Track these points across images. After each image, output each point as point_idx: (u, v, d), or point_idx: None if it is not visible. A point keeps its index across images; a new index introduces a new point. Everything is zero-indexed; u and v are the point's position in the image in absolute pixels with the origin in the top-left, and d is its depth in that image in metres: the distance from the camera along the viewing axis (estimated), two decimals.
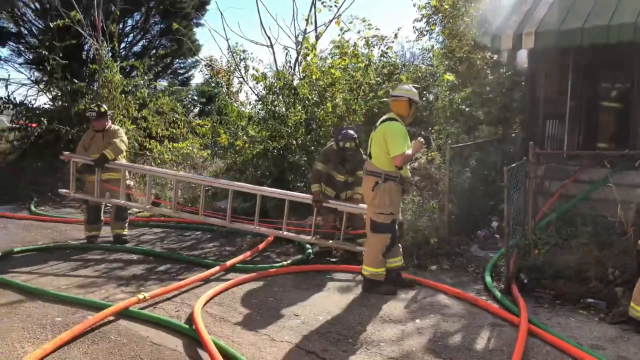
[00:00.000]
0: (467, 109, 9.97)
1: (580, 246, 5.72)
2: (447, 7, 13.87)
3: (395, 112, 5.16)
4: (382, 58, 10.27)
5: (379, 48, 10.28)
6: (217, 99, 11.39)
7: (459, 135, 8.98)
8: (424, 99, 5.05)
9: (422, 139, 5.32)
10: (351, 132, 6.41)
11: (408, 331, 4.36)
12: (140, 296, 4.77)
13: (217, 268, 5.89)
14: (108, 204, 7.74)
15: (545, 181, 7.79)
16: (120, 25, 16.21)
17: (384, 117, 5.24)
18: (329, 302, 5.07)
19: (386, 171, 5.08)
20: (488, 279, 5.54)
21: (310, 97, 9.12)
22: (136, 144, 11.65)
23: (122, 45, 16.43)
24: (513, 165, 5.72)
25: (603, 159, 6.74)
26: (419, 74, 10.20)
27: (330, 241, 6.55)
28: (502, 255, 5.78)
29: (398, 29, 16.67)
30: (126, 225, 7.50)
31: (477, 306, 4.92)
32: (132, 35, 17.92)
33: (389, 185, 5.09)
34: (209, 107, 17.21)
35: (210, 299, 5.00)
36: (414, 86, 5.51)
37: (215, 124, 10.33)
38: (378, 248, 5.22)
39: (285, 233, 6.74)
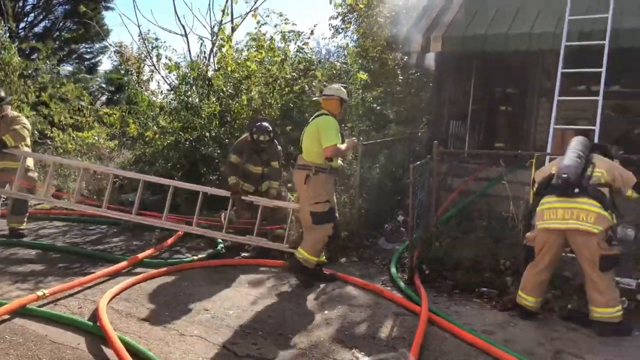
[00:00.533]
0: (378, 108, 10.32)
1: (477, 239, 6.13)
2: (362, 6, 14.23)
3: (327, 110, 5.35)
4: (298, 53, 10.36)
5: (296, 43, 10.37)
6: (127, 88, 10.92)
7: (370, 132, 9.29)
8: (331, 94, 5.29)
9: (354, 139, 5.52)
10: (266, 124, 6.44)
11: (317, 322, 4.49)
12: (39, 293, 4.52)
13: (124, 263, 5.71)
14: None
15: (448, 178, 8.25)
16: (20, 4, 15.07)
17: (317, 113, 5.42)
18: (240, 296, 5.08)
19: (316, 164, 5.23)
20: (393, 270, 5.80)
21: (225, 89, 9.03)
22: (36, 132, 10.92)
23: (22, 25, 15.28)
24: (418, 163, 6.02)
25: (499, 159, 7.25)
26: (334, 71, 10.40)
27: (245, 237, 6.54)
28: (407, 247, 6.09)
29: (314, 26, 16.90)
30: (24, 219, 7.03)
31: (382, 297, 5.14)
32: (32, 14, 16.73)
33: (320, 176, 5.25)
34: (118, 96, 16.49)
35: (116, 294, 4.85)
36: (342, 86, 5.70)
37: (124, 113, 9.92)
38: (320, 237, 5.32)
39: (195, 228, 6.63)
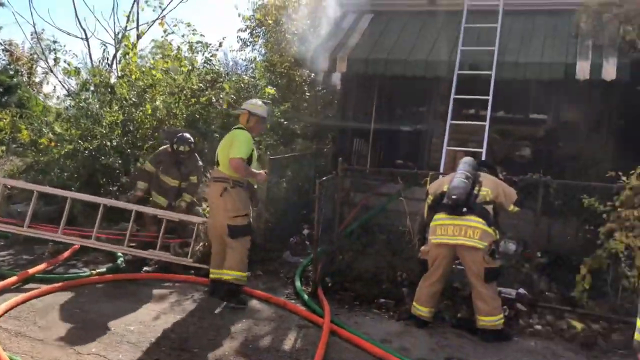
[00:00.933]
0: (285, 123, 10.51)
1: (376, 252, 6.45)
2: (270, 22, 14.46)
3: (242, 124, 5.37)
4: (205, 65, 10.31)
5: (203, 54, 10.31)
6: (19, 89, 10.22)
7: (277, 147, 9.44)
8: (243, 108, 5.36)
9: (265, 172, 5.62)
10: (187, 135, 6.38)
11: (221, 336, 4.51)
12: None
13: (13, 278, 5.35)
14: None
15: (351, 193, 8.58)
16: None
17: (235, 127, 5.43)
18: (141, 311, 4.97)
19: (234, 177, 5.21)
20: (297, 283, 5.94)
21: (128, 97, 8.77)
22: None
23: None
24: (325, 178, 6.25)
25: (398, 176, 7.69)
26: (242, 85, 10.45)
27: (147, 251, 6.38)
28: (311, 261, 6.28)
29: (223, 38, 16.90)
30: None
31: (286, 309, 5.26)
32: None
33: (237, 190, 5.24)
34: (6, 98, 15.31)
35: (4, 312, 4.54)
36: (264, 102, 5.75)
37: (15, 117, 9.27)
38: (243, 252, 5.28)
39: (95, 242, 6.36)
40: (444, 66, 7.79)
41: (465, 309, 5.21)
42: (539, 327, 5.04)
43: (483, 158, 7.06)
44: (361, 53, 8.36)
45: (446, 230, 4.72)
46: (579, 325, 5.00)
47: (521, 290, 5.53)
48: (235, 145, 5.14)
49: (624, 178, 5.32)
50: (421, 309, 4.95)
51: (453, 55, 7.75)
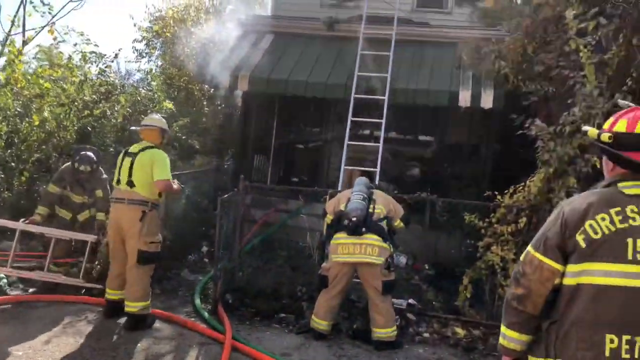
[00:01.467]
0: (184, 138, 10.38)
1: (277, 268, 6.59)
2: (168, 34, 14.23)
3: (149, 141, 5.18)
4: (99, 76, 9.90)
5: (97, 65, 9.90)
6: None
7: (176, 162, 9.28)
8: (152, 125, 5.36)
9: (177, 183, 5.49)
10: (90, 154, 6.13)
11: (120, 356, 4.38)
12: None
13: None
14: None
15: (252, 210, 8.67)
16: None
17: (143, 144, 5.16)
18: (30, 335, 4.66)
19: (152, 200, 5.05)
20: (197, 301, 5.89)
21: (12, 107, 8.20)
22: None
23: None
24: (226, 196, 6.29)
25: (298, 193, 7.91)
26: (139, 98, 10.17)
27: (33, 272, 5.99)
28: (211, 278, 6.26)
29: (119, 49, 16.20)
30: None
31: (186, 327, 5.21)
32: None
33: (154, 214, 5.09)
34: None
35: None
36: (162, 116, 5.70)
37: None
38: (147, 280, 5.06)
39: None
40: (341, 89, 8.20)
41: (360, 320, 5.49)
42: (426, 334, 5.46)
43: (377, 177, 7.49)
44: (262, 72, 8.55)
45: (347, 249, 4.97)
46: (461, 332, 5.47)
47: (411, 301, 5.94)
48: (159, 167, 5.00)
49: (499, 197, 5.93)
50: (320, 322, 5.14)
51: (350, 79, 8.17)
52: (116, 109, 9.33)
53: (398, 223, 5.29)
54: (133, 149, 5.21)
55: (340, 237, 5.02)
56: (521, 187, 5.88)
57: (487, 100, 7.65)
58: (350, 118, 7.94)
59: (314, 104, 9.11)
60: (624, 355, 1.94)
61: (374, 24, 8.89)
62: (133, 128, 5.98)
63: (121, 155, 5.25)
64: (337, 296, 5.14)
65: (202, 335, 5.04)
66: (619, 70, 5.67)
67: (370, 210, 5.05)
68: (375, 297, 5.00)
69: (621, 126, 2.20)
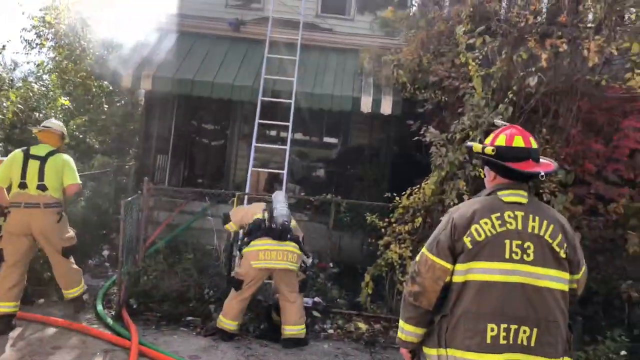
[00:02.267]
0: (81, 137, 9.91)
1: (183, 271, 6.53)
2: (63, 25, 13.44)
3: (49, 144, 5.28)
4: None
5: None
6: None
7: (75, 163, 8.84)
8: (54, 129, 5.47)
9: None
10: None
11: None
12: None
13: None
14: None
15: (155, 211, 8.49)
16: None
17: (47, 148, 5.23)
18: None
19: (61, 201, 5.30)
20: (99, 307, 5.72)
21: None
22: None
23: None
24: (129, 199, 6.15)
25: (204, 195, 7.88)
26: (31, 94, 9.54)
27: None
28: (114, 283, 6.10)
29: (7, 41, 15.04)
30: None
31: (89, 335, 5.06)
32: None
33: (65, 214, 5.39)
34: None
35: None
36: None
37: None
38: (74, 265, 5.48)
39: None
40: (248, 91, 8.26)
41: (268, 319, 5.63)
42: (331, 330, 5.73)
43: (284, 178, 7.67)
44: (167, 72, 8.39)
45: (269, 255, 5.08)
46: (363, 327, 5.80)
47: (317, 299, 6.18)
48: (70, 171, 5.27)
49: (397, 198, 6.34)
50: (230, 323, 5.22)
51: (257, 82, 8.27)
52: (5, 104, 8.69)
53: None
54: (37, 151, 5.15)
55: (261, 244, 5.10)
56: (417, 189, 6.32)
57: (386, 106, 8.08)
58: (257, 120, 8.03)
59: (221, 104, 9.09)
60: (501, 342, 2.28)
61: (280, 28, 9.04)
62: (33, 129, 5.77)
63: (21, 157, 5.07)
64: (249, 298, 5.26)
65: (107, 342, 4.93)
66: (502, 83, 6.29)
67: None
68: (290, 295, 5.18)
69: (501, 141, 2.56)
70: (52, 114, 10.02)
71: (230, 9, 9.82)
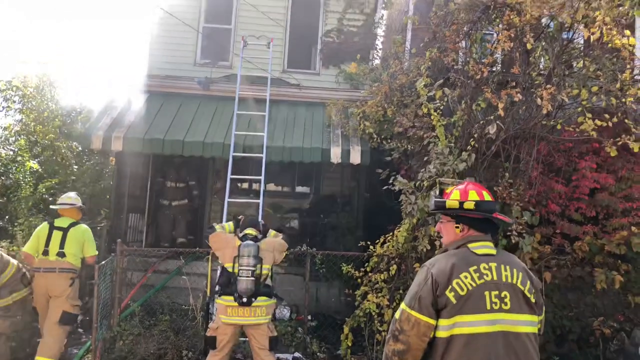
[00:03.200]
0: (50, 199, 9.80)
1: (160, 333, 6.43)
2: (30, 88, 13.47)
3: (69, 217, 5.99)
4: None
5: None
6: None
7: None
8: (72, 204, 6.13)
9: None
10: None
11: None
12: None
13: None
14: None
15: (128, 272, 8.35)
16: None
17: (69, 220, 5.95)
18: None
19: (78, 268, 5.85)
20: None
21: None
22: None
23: None
24: (103, 262, 6.10)
25: (179, 253, 7.83)
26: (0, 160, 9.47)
27: None
28: (88, 349, 5.96)
29: None
30: None
31: None
32: None
33: (78, 280, 5.84)
34: None
35: None
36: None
37: None
38: (64, 339, 5.70)
39: None
40: (219, 148, 8.36)
41: None
42: None
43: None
44: (137, 132, 8.45)
45: (237, 312, 5.02)
46: None
47: (296, 354, 6.15)
48: (90, 244, 5.97)
49: (371, 247, 6.45)
50: None
51: (227, 138, 8.39)
52: None
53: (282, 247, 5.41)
54: (60, 223, 5.90)
55: (229, 300, 5.06)
56: (390, 237, 6.45)
57: (355, 156, 8.28)
58: (229, 176, 8.09)
59: (193, 161, 9.16)
60: None
61: (248, 84, 9.26)
62: (52, 207, 6.38)
63: (46, 228, 5.87)
64: (227, 356, 5.18)
65: None
66: (464, 130, 6.57)
67: (258, 272, 5.13)
68: (261, 353, 5.12)
69: (474, 195, 2.71)
70: (21, 178, 9.95)
71: (199, 67, 10.03)
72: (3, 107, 14.54)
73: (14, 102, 14.50)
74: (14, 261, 5.87)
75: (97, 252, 6.05)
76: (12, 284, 5.73)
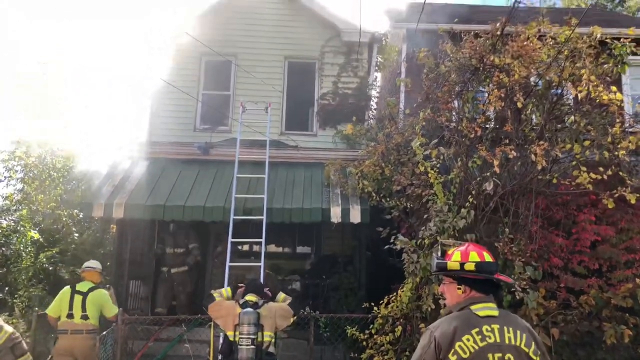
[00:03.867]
0: (51, 269, 9.75)
1: None
2: (32, 158, 13.68)
3: (91, 280, 6.41)
4: None
5: None
6: None
7: (45, 297, 8.64)
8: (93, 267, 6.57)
9: None
10: None
11: None
12: None
13: None
14: None
15: (129, 341, 8.20)
16: None
17: (88, 284, 6.35)
18: None
19: (98, 329, 6.29)
20: None
21: None
22: None
23: None
24: (104, 332, 6.01)
25: (180, 320, 7.72)
26: (1, 230, 9.49)
27: None
28: None
29: None
30: None
31: None
32: None
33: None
34: None
35: None
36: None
37: None
38: None
39: None
40: (220, 212, 8.41)
41: None
42: None
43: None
44: (138, 199, 8.52)
45: None
46: None
47: None
48: (107, 303, 6.42)
49: (375, 308, 6.37)
50: None
51: (228, 202, 8.46)
52: None
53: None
54: (81, 288, 6.30)
55: None
56: (394, 297, 6.39)
57: (355, 215, 8.32)
58: (230, 239, 8.10)
59: (193, 226, 9.19)
60: None
61: (247, 148, 9.42)
62: (81, 271, 6.75)
63: (68, 292, 6.27)
64: None
65: None
66: (462, 187, 6.65)
67: (259, 339, 5.04)
68: None
69: (457, 257, 2.74)
70: (22, 248, 9.93)
71: (199, 133, 10.24)
72: (5, 177, 14.75)
73: (16, 171, 14.72)
74: (9, 329, 5.63)
75: (117, 310, 6.49)
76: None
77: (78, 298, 6.21)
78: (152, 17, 9.89)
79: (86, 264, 6.72)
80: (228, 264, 7.91)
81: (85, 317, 6.15)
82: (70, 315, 6.11)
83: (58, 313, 6.19)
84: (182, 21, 9.61)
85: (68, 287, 6.44)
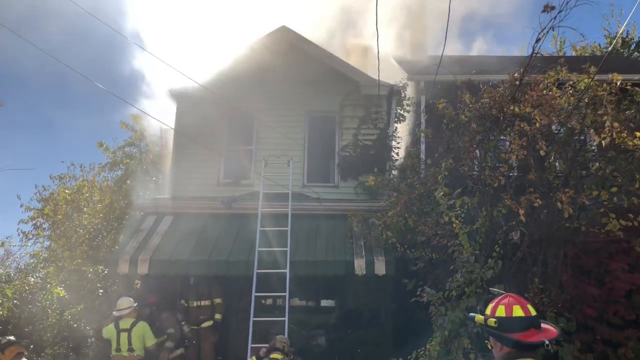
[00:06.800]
0: (75, 325, 9.74)
1: None
2: (60, 216, 13.95)
3: (130, 317, 7.35)
4: None
5: None
6: None
7: (68, 355, 8.61)
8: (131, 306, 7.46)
9: None
10: None
11: None
12: None
13: None
14: None
15: None
16: None
17: (130, 321, 7.38)
18: None
19: (143, 357, 7.34)
20: None
21: None
22: None
23: None
24: None
25: None
26: (27, 287, 9.58)
27: None
28: None
29: (7, 237, 15.50)
30: None
31: None
32: None
33: None
34: None
35: None
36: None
37: None
38: None
39: None
40: (243, 266, 8.39)
41: None
42: None
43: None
44: (163, 255, 8.57)
45: None
46: None
47: None
48: (148, 335, 7.44)
49: None
50: None
51: (251, 255, 8.45)
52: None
53: None
54: (124, 325, 7.34)
55: None
56: (422, 351, 6.21)
57: (380, 267, 8.20)
58: (254, 294, 8.04)
59: (218, 280, 9.15)
60: None
61: (270, 201, 9.47)
62: (116, 314, 7.48)
63: (113, 331, 7.31)
64: None
65: None
66: (487, 237, 6.55)
67: None
68: None
69: (501, 312, 2.68)
70: (47, 305, 9.97)
71: (222, 187, 10.36)
72: (33, 235, 15.04)
73: (44, 229, 15.01)
74: None
75: (155, 340, 7.52)
76: None
77: (124, 334, 7.26)
78: (176, 76, 10.22)
79: (122, 307, 7.44)
80: (252, 318, 7.81)
81: (131, 350, 7.22)
82: (117, 349, 7.19)
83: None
84: (205, 78, 9.88)
85: (112, 325, 7.38)
